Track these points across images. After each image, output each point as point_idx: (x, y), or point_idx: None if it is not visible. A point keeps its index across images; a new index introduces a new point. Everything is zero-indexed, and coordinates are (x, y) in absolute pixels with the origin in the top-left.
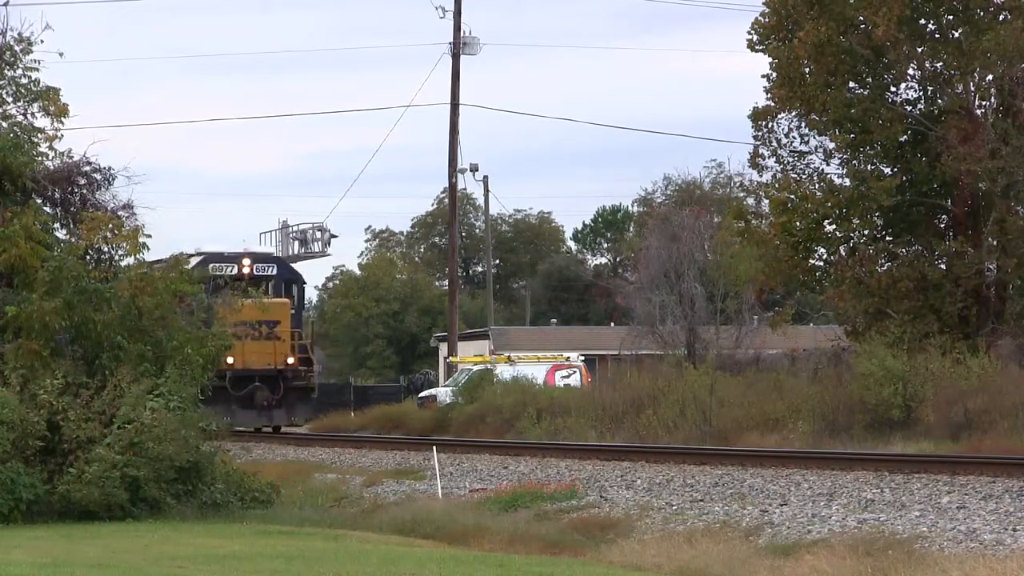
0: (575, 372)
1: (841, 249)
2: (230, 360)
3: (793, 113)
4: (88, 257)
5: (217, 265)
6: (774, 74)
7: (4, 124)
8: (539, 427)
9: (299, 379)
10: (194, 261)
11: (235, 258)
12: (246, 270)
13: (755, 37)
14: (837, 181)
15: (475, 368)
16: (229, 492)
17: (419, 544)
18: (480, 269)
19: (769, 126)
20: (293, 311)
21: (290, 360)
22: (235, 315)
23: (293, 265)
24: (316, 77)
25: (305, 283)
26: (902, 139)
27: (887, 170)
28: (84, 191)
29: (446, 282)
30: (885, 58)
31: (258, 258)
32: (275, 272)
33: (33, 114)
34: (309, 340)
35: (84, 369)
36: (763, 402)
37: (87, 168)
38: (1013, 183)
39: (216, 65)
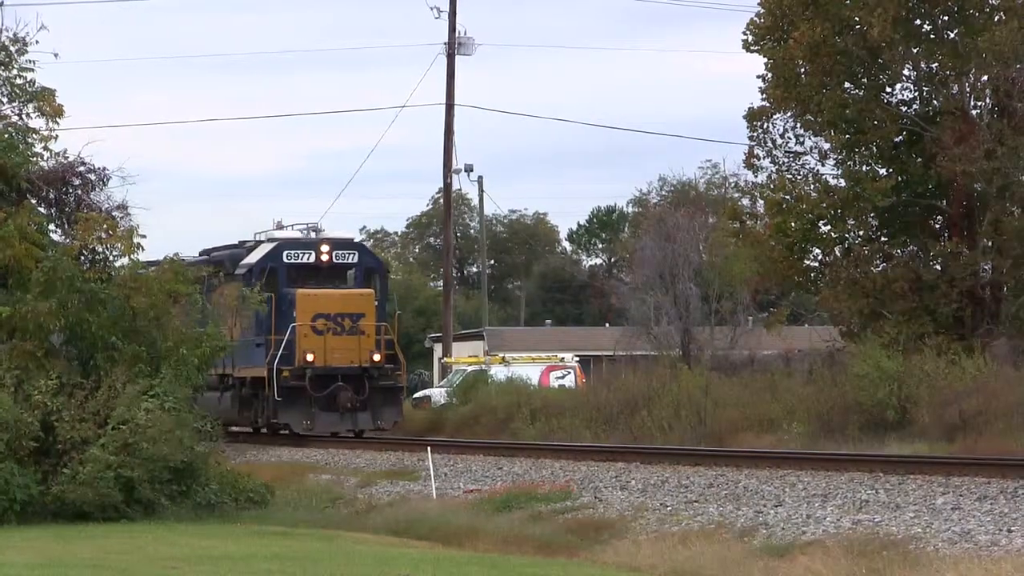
0: (570, 373)
1: (836, 250)
2: (310, 357)
3: (788, 114)
4: (83, 258)
5: (292, 252)
6: (769, 74)
7: None
8: (533, 428)
9: (386, 378)
10: (267, 248)
11: (312, 244)
12: (324, 257)
13: (750, 37)
14: (832, 182)
15: (470, 369)
16: (223, 493)
17: (413, 545)
18: (475, 270)
19: (764, 127)
20: (377, 302)
21: (376, 357)
22: (317, 307)
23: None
24: (311, 77)
25: (389, 271)
26: (897, 140)
27: (882, 171)
28: (79, 191)
29: (441, 283)
30: (880, 59)
31: (338, 244)
32: (356, 260)
33: (28, 115)
34: (396, 335)
35: (79, 370)
36: (758, 403)
37: (82, 168)
38: (1008, 184)
39: (210, 65)
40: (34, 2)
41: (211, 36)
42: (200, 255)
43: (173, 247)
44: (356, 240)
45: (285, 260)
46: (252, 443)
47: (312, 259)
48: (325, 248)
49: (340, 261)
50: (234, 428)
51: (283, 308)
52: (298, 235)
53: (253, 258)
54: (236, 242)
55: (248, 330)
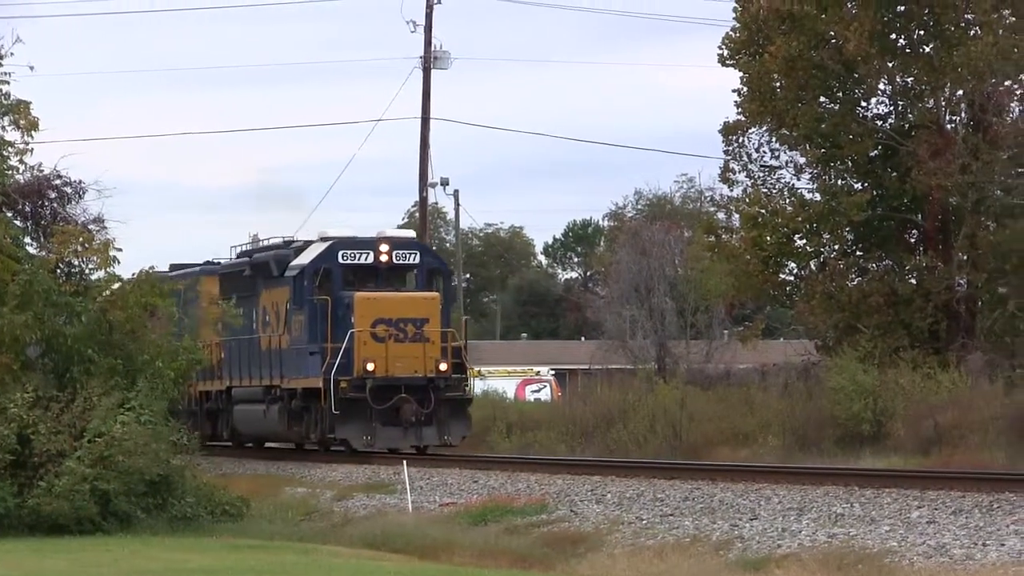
0: (545, 386)
1: (811, 264)
2: (370, 366)
3: (764, 128)
4: (59, 271)
5: (348, 252)
6: (745, 89)
7: None
8: (509, 441)
9: (453, 389)
10: (320, 248)
11: (370, 244)
12: (383, 258)
13: (726, 52)
14: (808, 196)
15: None
16: (199, 506)
17: (389, 558)
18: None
19: (740, 140)
20: (442, 307)
21: (442, 366)
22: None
23: None
24: (286, 91)
25: (452, 272)
26: (872, 154)
27: (857, 185)
28: (55, 204)
29: None
30: (856, 73)
31: (398, 243)
32: (418, 260)
33: (3, 127)
34: (463, 341)
35: (55, 383)
36: (733, 417)
37: (58, 181)
38: (983, 198)
39: (185, 79)
40: (9, 15)
41: (185, 50)
42: (238, 257)
43: (147, 260)
44: (417, 240)
45: (341, 261)
46: (227, 456)
47: (370, 259)
48: (385, 247)
49: (400, 262)
50: (271, 444)
51: (339, 313)
52: (353, 233)
53: (305, 259)
54: (281, 241)
55: (299, 337)
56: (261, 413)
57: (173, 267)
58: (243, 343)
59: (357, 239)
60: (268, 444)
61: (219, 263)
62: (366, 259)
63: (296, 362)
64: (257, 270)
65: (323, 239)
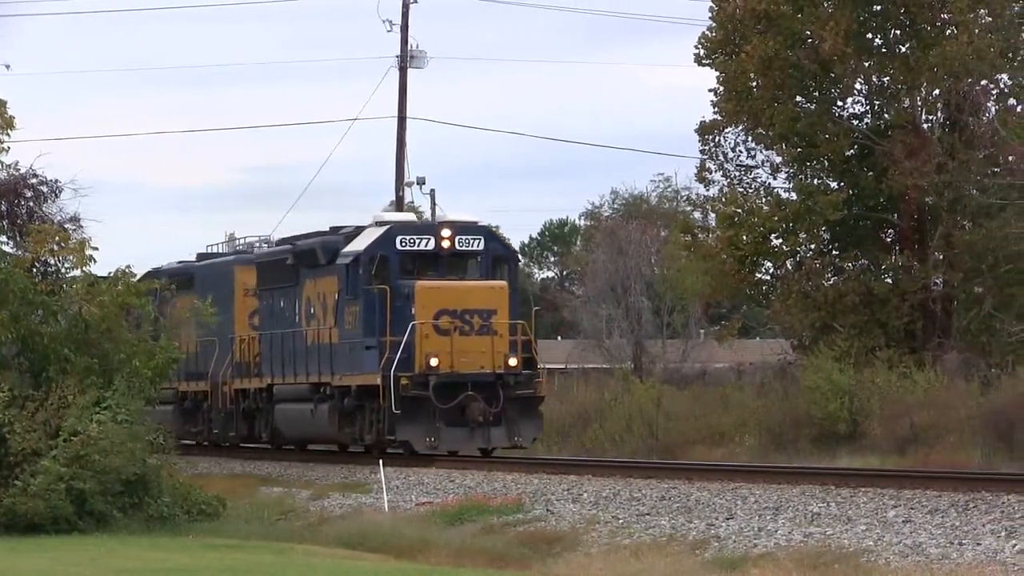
0: None
1: (788, 263)
2: (434, 362)
3: (740, 127)
4: (35, 270)
5: (406, 238)
6: (721, 88)
7: None
8: None
9: (523, 386)
10: (376, 233)
11: (430, 229)
12: (445, 243)
13: (702, 51)
14: (784, 195)
15: None
16: (175, 505)
17: (366, 558)
18: None
19: (716, 140)
20: (510, 296)
21: (512, 361)
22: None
23: None
24: (262, 90)
25: (520, 261)
26: (849, 153)
27: (834, 184)
28: (31, 203)
29: None
30: (832, 72)
31: (460, 228)
32: (482, 246)
33: None
34: (533, 335)
35: (31, 382)
36: (710, 416)
37: (34, 180)
38: (959, 198)
39: (160, 78)
40: None
41: (160, 49)
42: (278, 243)
43: (122, 260)
44: (482, 224)
45: (399, 247)
46: (204, 455)
47: (431, 246)
48: (446, 232)
49: (464, 248)
50: (313, 447)
51: (398, 304)
52: (412, 218)
53: (360, 244)
54: (327, 228)
55: (353, 331)
56: (308, 413)
57: (201, 256)
58: (285, 337)
59: (416, 223)
60: (310, 446)
61: (253, 251)
62: (426, 245)
63: (349, 357)
64: (300, 258)
65: (378, 223)
